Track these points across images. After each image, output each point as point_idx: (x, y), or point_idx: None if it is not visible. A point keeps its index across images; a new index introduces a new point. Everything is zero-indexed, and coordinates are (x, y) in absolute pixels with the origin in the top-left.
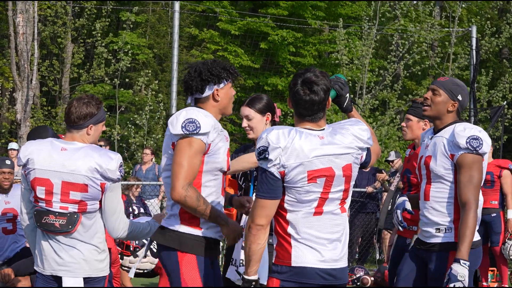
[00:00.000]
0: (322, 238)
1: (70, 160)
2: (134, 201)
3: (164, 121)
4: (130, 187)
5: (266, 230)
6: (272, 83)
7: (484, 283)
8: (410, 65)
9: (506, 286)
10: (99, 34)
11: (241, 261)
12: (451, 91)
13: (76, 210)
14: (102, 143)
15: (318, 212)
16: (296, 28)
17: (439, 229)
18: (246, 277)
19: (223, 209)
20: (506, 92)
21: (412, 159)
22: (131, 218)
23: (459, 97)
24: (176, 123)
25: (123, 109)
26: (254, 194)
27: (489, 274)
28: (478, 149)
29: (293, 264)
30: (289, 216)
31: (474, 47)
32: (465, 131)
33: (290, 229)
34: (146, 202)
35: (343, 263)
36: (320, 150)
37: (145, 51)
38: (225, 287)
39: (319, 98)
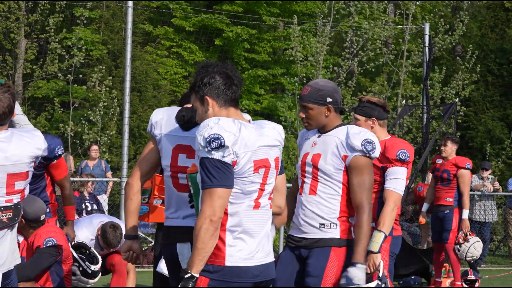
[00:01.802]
0: (257, 232)
1: (9, 150)
2: (87, 197)
3: (118, 117)
4: (85, 183)
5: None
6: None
7: (437, 279)
8: (364, 62)
9: (459, 283)
10: (52, 30)
11: None
12: (317, 99)
13: (19, 200)
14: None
15: (256, 205)
16: (250, 24)
17: (323, 224)
18: (194, 274)
19: None
20: (459, 89)
21: None
22: (84, 214)
23: (329, 99)
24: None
25: (76, 105)
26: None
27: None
28: (371, 152)
29: (226, 264)
30: (231, 209)
31: (427, 44)
32: (360, 134)
33: (229, 223)
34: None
35: (272, 257)
36: (260, 140)
37: (99, 47)
38: None
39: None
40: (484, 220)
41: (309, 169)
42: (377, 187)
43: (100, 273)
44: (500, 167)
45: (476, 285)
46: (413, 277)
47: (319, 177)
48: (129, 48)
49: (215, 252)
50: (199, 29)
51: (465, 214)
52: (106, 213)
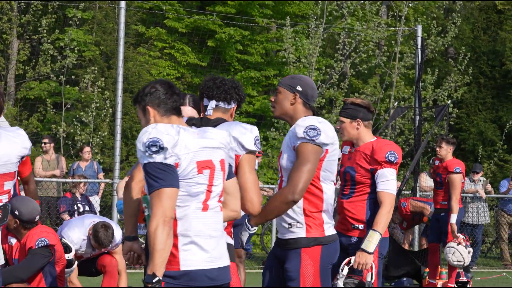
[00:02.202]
0: (208, 235)
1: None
2: (79, 199)
3: (110, 118)
4: (77, 184)
5: None
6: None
7: (431, 280)
8: (356, 63)
9: (451, 285)
10: (45, 31)
11: None
12: (288, 85)
13: (7, 200)
14: (46, 140)
15: (205, 207)
16: (243, 26)
17: (291, 224)
18: (159, 277)
19: None
20: (452, 91)
21: (353, 156)
22: (76, 215)
23: (298, 88)
24: (249, 139)
25: (69, 106)
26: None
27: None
28: (314, 138)
29: (182, 269)
30: (179, 213)
31: (419, 46)
32: (305, 121)
33: (180, 228)
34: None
35: (226, 261)
36: (202, 142)
37: (91, 48)
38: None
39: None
40: (476, 223)
41: (280, 168)
42: (365, 189)
43: (76, 262)
44: (492, 169)
45: (468, 286)
46: (405, 278)
47: (283, 175)
48: (121, 49)
49: (169, 258)
50: (191, 30)
51: (453, 218)
52: (98, 214)
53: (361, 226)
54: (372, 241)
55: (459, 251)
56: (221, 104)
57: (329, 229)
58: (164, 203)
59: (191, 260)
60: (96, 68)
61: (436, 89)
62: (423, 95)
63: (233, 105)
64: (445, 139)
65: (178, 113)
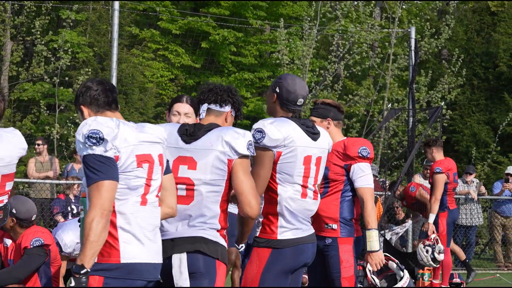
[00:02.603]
0: (147, 230)
1: (2, 152)
2: (73, 200)
3: None
4: (71, 186)
5: None
6: (213, 82)
7: (435, 281)
8: (350, 65)
9: (444, 287)
10: (38, 32)
11: None
12: (273, 84)
13: (6, 200)
14: (39, 141)
15: (144, 201)
16: (237, 27)
17: (256, 222)
18: (87, 269)
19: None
20: (445, 93)
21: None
22: (70, 217)
23: (277, 89)
24: (242, 143)
25: (62, 107)
26: (96, 181)
27: (426, 273)
28: (259, 141)
29: (122, 261)
30: (118, 206)
31: (413, 48)
32: (257, 124)
33: (119, 221)
34: None
35: (160, 258)
36: (141, 136)
37: (85, 49)
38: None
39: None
40: (470, 224)
41: None
42: (339, 186)
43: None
44: (486, 171)
45: (462, 287)
46: None
47: None
48: (115, 50)
49: (109, 250)
50: (185, 32)
51: (431, 218)
52: None
53: (334, 226)
54: (373, 240)
55: (419, 250)
56: (213, 107)
57: (284, 233)
58: (103, 195)
59: (132, 253)
60: (90, 70)
61: (430, 90)
62: (416, 96)
63: (227, 109)
64: (425, 143)
65: (112, 108)
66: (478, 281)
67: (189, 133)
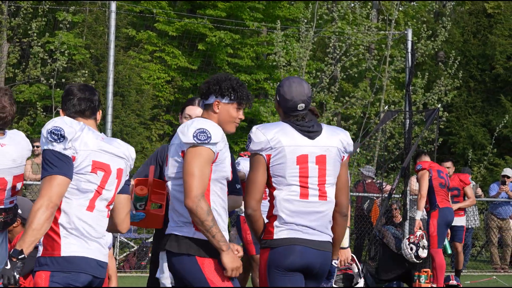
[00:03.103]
0: (89, 233)
1: (14, 153)
2: None
3: (101, 121)
4: None
5: None
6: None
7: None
8: (347, 67)
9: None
10: (35, 34)
11: None
12: (275, 91)
13: (15, 201)
14: (37, 143)
15: (91, 206)
16: (234, 29)
17: None
18: (25, 255)
19: (226, 219)
20: (442, 95)
21: None
22: None
23: (277, 97)
24: (187, 132)
25: (59, 109)
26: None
27: (423, 275)
28: (248, 147)
29: (62, 254)
30: (64, 205)
31: (409, 50)
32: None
33: (62, 219)
34: None
35: (106, 258)
36: (103, 145)
37: (81, 51)
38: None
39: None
40: (466, 226)
41: None
42: None
43: None
44: (482, 173)
45: None
46: (395, 282)
47: None
48: (112, 52)
49: (51, 244)
50: (182, 33)
51: (418, 215)
52: None
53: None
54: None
55: (403, 246)
56: (204, 101)
57: (279, 233)
58: (53, 188)
59: (72, 246)
60: (87, 71)
61: (426, 93)
62: (413, 98)
63: (213, 100)
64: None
65: (86, 115)
66: (474, 283)
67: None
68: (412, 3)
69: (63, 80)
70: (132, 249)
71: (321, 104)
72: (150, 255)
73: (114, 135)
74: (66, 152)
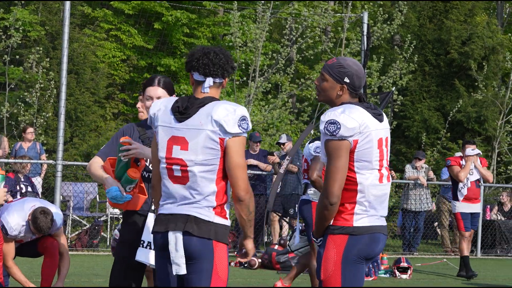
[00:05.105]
0: None
1: None
2: (22, 179)
3: (55, 99)
4: (25, 165)
5: None
6: (166, 64)
7: None
8: (303, 49)
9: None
10: None
11: (149, 243)
12: (336, 74)
13: None
14: None
15: None
16: (190, 9)
17: None
18: None
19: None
20: (397, 78)
21: None
22: (18, 196)
23: (346, 80)
24: (230, 121)
25: (13, 86)
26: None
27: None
28: (335, 133)
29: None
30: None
31: (365, 33)
32: (325, 115)
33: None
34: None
35: None
36: None
37: (36, 28)
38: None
39: None
40: (419, 209)
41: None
42: None
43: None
44: (435, 157)
45: (409, 272)
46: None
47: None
48: (66, 29)
49: None
50: (138, 12)
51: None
52: (40, 195)
53: None
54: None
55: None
56: (217, 80)
57: (360, 220)
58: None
59: None
60: (41, 49)
61: (382, 76)
62: (368, 82)
63: (226, 78)
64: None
65: None
66: (425, 265)
67: (181, 111)
68: None
69: (17, 56)
70: (84, 227)
71: (277, 86)
72: (105, 235)
73: (68, 113)
74: None
